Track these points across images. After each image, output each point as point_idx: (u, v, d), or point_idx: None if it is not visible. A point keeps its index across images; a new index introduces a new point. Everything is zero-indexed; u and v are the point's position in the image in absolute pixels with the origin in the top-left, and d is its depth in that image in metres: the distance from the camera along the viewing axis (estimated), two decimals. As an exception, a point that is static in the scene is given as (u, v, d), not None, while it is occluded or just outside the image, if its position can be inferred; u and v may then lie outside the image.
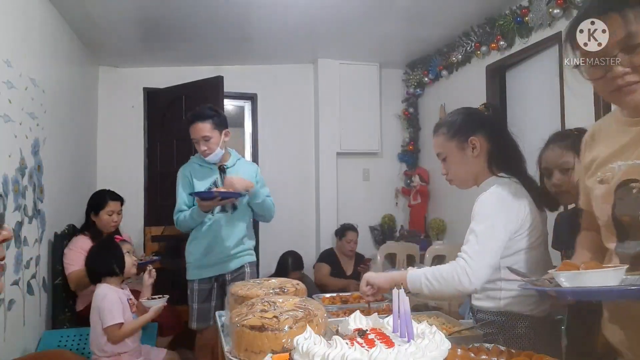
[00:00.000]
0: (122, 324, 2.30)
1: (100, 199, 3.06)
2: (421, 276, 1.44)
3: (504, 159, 1.56)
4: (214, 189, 2.57)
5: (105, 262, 2.41)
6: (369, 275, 1.62)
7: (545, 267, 1.56)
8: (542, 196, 1.57)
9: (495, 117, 1.61)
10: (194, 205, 2.59)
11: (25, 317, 2.49)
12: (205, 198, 2.50)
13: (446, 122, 1.63)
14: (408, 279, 1.46)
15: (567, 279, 1.02)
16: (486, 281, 1.44)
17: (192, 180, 2.64)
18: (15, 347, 2.36)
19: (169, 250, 3.62)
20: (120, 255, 2.46)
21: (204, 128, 2.55)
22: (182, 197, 2.66)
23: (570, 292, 1.04)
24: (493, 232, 1.42)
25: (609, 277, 0.97)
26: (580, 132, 1.46)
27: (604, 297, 1.07)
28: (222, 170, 2.67)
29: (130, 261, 2.50)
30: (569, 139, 1.59)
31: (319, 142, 4.70)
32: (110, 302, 2.31)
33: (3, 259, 0.95)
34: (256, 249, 4.66)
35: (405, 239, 4.56)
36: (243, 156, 5.03)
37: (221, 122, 2.63)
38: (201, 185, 2.62)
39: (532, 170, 1.65)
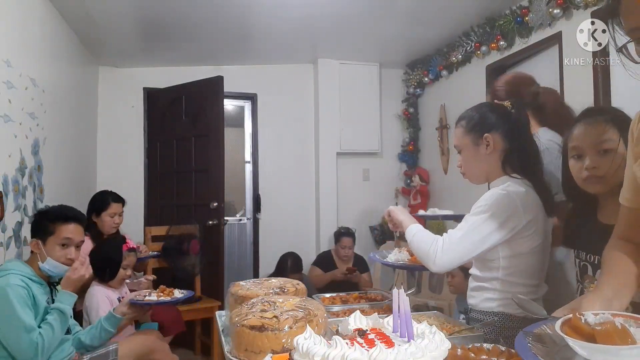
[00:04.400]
0: None
1: (103, 201, 3.05)
2: (412, 232, 1.55)
3: (519, 160, 1.54)
4: (145, 297, 2.23)
5: (99, 266, 2.44)
6: (392, 209, 1.70)
7: (542, 273, 1.54)
8: (565, 185, 1.45)
9: (518, 117, 1.57)
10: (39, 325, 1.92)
11: (25, 317, 2.49)
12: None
13: (466, 116, 1.62)
14: (409, 228, 1.58)
15: (584, 349, 0.80)
16: (450, 268, 1.48)
17: (33, 297, 1.93)
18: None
19: (169, 250, 3.61)
20: (117, 266, 2.50)
21: (81, 232, 2.12)
22: (28, 315, 1.87)
23: None
24: (482, 227, 1.42)
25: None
26: (617, 111, 1.34)
27: None
28: (52, 287, 2.10)
29: (122, 275, 2.54)
30: (609, 114, 1.34)
31: (319, 142, 4.70)
32: (97, 301, 2.40)
33: None
34: (256, 248, 4.73)
35: (406, 239, 4.55)
36: (243, 156, 5.13)
37: None
38: (38, 307, 1.95)
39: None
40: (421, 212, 1.95)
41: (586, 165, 1.30)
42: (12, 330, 1.83)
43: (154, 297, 2.29)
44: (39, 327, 1.90)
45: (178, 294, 2.35)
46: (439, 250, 1.42)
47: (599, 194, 1.35)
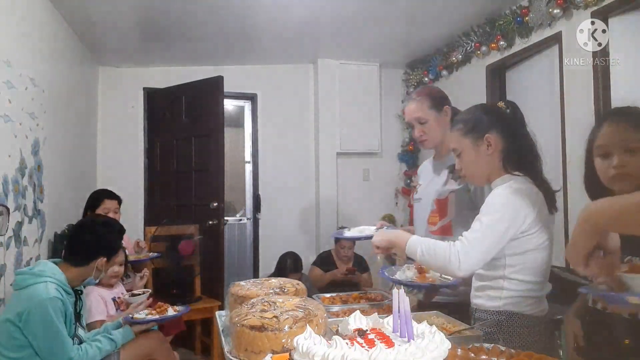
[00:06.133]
0: (103, 321, 2.37)
1: (96, 198, 3.06)
2: (419, 245, 1.52)
3: (519, 158, 1.56)
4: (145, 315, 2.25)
5: None
6: (374, 240, 1.74)
7: (547, 271, 1.54)
8: (588, 183, 1.43)
9: (513, 116, 1.60)
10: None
11: (25, 317, 2.49)
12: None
13: (463, 119, 1.63)
14: (408, 244, 1.56)
15: None
16: (475, 270, 1.46)
17: (65, 311, 1.92)
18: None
19: (168, 250, 3.61)
20: None
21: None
22: (65, 334, 1.91)
23: None
24: (497, 225, 1.42)
25: None
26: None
27: None
28: (78, 295, 2.07)
29: (109, 272, 2.48)
30: (636, 114, 1.37)
31: (319, 142, 4.70)
32: (90, 301, 2.40)
33: None
34: (256, 248, 4.73)
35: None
36: (243, 156, 5.14)
37: None
38: (67, 320, 1.94)
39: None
40: (344, 232, 2.05)
41: (614, 164, 1.31)
42: (55, 345, 1.84)
43: (143, 314, 2.28)
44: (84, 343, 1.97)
45: (171, 311, 2.32)
46: (461, 254, 1.41)
47: (623, 192, 1.34)
